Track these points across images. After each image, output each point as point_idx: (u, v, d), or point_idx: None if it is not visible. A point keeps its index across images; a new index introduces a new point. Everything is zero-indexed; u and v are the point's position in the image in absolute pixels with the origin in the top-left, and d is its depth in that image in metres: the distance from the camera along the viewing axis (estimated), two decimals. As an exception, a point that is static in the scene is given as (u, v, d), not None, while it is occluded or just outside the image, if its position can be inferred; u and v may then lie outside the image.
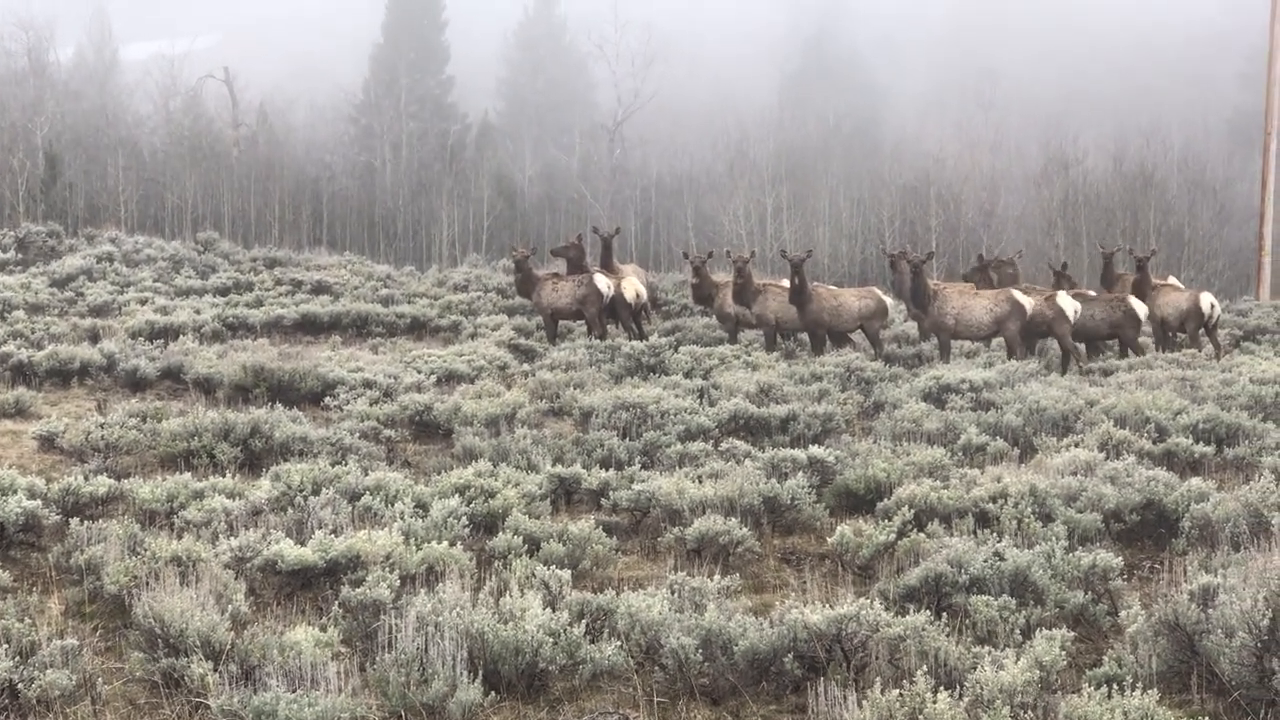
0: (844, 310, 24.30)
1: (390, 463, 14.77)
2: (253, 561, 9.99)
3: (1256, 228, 46.09)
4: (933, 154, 64.50)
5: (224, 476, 12.70)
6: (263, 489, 12.04)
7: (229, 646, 8.41)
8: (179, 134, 65.89)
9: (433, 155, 68.15)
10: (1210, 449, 14.42)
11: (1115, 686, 7.32)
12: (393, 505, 11.56)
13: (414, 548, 10.20)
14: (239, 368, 18.93)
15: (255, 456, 14.51)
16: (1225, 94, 73.87)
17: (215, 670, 8.12)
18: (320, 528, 10.68)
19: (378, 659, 8.27)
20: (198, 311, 27.64)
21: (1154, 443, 14.62)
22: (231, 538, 10.35)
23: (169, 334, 24.64)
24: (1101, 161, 62.75)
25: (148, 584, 9.13)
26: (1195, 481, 12.22)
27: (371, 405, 17.32)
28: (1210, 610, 8.21)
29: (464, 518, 11.26)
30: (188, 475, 12.50)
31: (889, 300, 25.17)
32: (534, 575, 9.67)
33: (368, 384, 18.83)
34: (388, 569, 9.76)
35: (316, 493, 11.89)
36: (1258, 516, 10.94)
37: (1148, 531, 11.83)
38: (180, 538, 10.42)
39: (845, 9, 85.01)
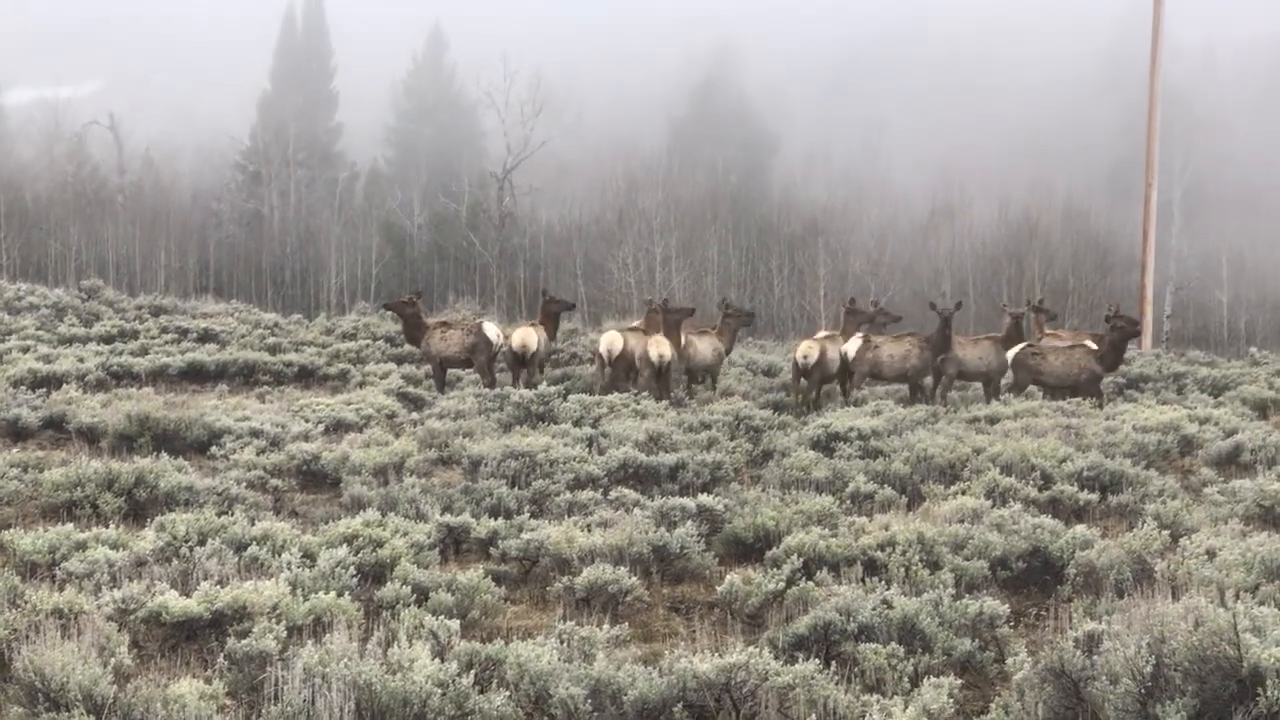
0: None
1: (277, 512, 14.61)
2: (137, 613, 9.85)
3: (1138, 278, 46.84)
4: (821, 203, 65.16)
5: (108, 527, 12.47)
6: (147, 539, 11.87)
7: (112, 700, 8.28)
8: (62, 180, 65.15)
9: (321, 203, 67.91)
10: (1095, 496, 14.61)
11: (1000, 731, 7.38)
12: (280, 555, 11.43)
13: (301, 598, 10.11)
14: (124, 417, 18.68)
15: (140, 507, 14.32)
16: (1106, 145, 75.19)
17: (97, 725, 7.99)
18: (206, 578, 10.56)
19: (264, 711, 8.18)
20: (81, 360, 27.29)
21: (1040, 490, 14.77)
22: (115, 589, 10.19)
23: (52, 383, 24.29)
24: (987, 210, 63.69)
25: (28, 637, 8.98)
26: (1080, 528, 12.36)
27: (258, 454, 17.16)
28: (1095, 657, 8.28)
29: (352, 567, 11.14)
30: (70, 526, 12.27)
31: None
32: (422, 625, 9.61)
33: (255, 433, 18.66)
34: (274, 620, 9.66)
35: (202, 543, 11.74)
36: (1141, 563, 11.11)
37: (1034, 578, 11.96)
38: (62, 589, 10.25)
39: (733, 58, 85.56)
